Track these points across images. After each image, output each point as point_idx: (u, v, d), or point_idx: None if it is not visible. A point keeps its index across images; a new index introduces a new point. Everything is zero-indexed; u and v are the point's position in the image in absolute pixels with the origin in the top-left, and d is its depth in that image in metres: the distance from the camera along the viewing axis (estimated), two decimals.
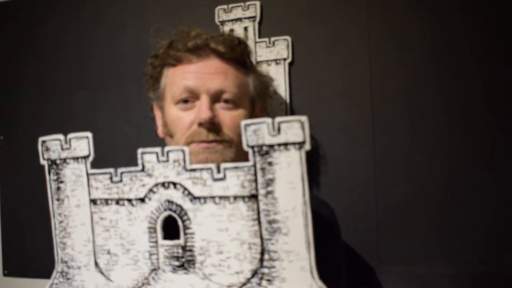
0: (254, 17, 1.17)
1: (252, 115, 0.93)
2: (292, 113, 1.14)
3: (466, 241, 1.03)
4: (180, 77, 0.90)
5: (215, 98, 0.88)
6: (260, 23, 1.17)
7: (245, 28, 1.17)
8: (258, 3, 1.17)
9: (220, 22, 1.19)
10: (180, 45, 0.90)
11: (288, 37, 1.14)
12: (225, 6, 1.19)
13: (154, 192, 0.59)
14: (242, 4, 1.18)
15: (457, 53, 1.05)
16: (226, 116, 0.87)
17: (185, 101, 0.89)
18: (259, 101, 0.96)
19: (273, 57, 1.15)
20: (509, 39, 1.02)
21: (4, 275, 1.42)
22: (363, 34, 1.11)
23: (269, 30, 1.17)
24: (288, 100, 1.14)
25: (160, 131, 0.97)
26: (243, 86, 0.92)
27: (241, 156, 0.81)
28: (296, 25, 1.15)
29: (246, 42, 0.98)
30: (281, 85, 1.14)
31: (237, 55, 0.91)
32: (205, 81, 0.87)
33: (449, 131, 1.05)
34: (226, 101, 0.88)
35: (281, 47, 1.14)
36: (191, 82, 0.88)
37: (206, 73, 0.88)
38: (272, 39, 1.15)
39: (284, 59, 1.14)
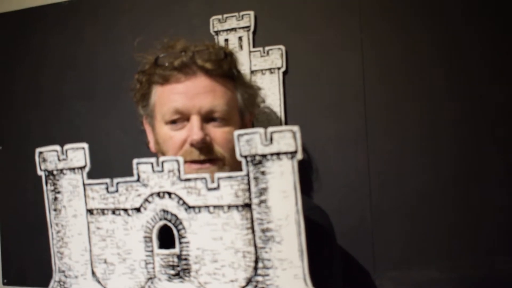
0: (248, 27, 1.18)
1: (242, 127, 0.92)
2: (287, 122, 1.15)
3: (461, 246, 1.04)
4: (169, 99, 0.88)
5: (206, 117, 0.87)
6: (254, 32, 1.18)
7: (240, 38, 1.18)
8: (252, 13, 1.18)
9: (214, 32, 1.20)
10: (166, 62, 0.89)
11: (282, 46, 1.15)
12: (219, 16, 1.20)
13: (149, 202, 0.60)
14: (236, 14, 1.19)
15: (451, 61, 1.06)
16: (218, 133, 0.87)
17: (175, 121, 0.88)
18: (248, 112, 0.96)
19: (267, 66, 1.15)
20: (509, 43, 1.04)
21: (4, 284, 1.42)
22: (356, 43, 1.12)
23: (263, 39, 1.18)
24: (282, 108, 1.15)
25: (152, 146, 0.96)
26: (232, 102, 0.91)
27: (234, 171, 0.82)
28: (290, 35, 1.16)
29: (232, 52, 0.97)
30: (275, 94, 1.15)
31: (224, 70, 0.90)
32: (195, 102, 0.86)
33: (442, 137, 1.06)
34: (216, 119, 0.88)
35: (275, 56, 1.15)
36: (180, 104, 0.86)
37: (195, 93, 0.87)
38: (266, 48, 1.16)
39: (278, 68, 1.15)
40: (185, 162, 0.85)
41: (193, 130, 0.85)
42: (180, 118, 0.87)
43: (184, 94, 0.87)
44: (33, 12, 1.42)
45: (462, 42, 1.06)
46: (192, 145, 0.85)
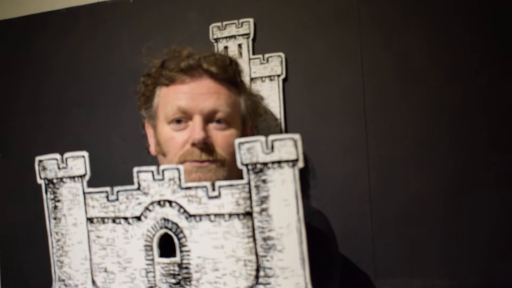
0: (248, 34, 1.18)
1: (243, 134, 0.94)
2: (287, 129, 1.15)
3: (462, 253, 1.04)
4: (173, 97, 0.90)
5: (208, 118, 0.89)
6: (254, 40, 1.19)
7: (239, 45, 1.18)
8: (251, 20, 1.18)
9: (214, 39, 1.21)
10: (172, 64, 0.91)
11: (281, 54, 1.16)
12: (219, 24, 1.20)
13: (150, 210, 0.60)
14: (236, 21, 1.19)
15: (450, 65, 1.07)
16: (219, 136, 0.88)
17: (178, 121, 0.89)
18: (250, 120, 0.98)
19: (267, 74, 1.16)
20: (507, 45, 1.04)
21: None
22: (355, 49, 1.12)
23: (263, 46, 1.18)
24: (282, 116, 1.15)
25: (153, 149, 0.97)
26: (235, 106, 0.92)
27: (233, 174, 0.83)
28: (290, 42, 1.16)
29: (237, 62, 0.99)
30: (275, 101, 1.15)
31: (229, 75, 0.92)
32: (198, 102, 0.88)
33: (443, 143, 1.06)
34: (219, 121, 0.89)
35: (275, 64, 1.15)
36: (184, 102, 0.88)
37: (199, 94, 0.89)
38: (266, 55, 1.16)
39: (278, 75, 1.15)
40: (185, 161, 0.86)
41: (195, 130, 0.87)
42: (183, 117, 0.89)
43: (189, 94, 0.89)
44: (34, 19, 1.42)
45: (461, 46, 1.07)
46: (193, 144, 0.86)
